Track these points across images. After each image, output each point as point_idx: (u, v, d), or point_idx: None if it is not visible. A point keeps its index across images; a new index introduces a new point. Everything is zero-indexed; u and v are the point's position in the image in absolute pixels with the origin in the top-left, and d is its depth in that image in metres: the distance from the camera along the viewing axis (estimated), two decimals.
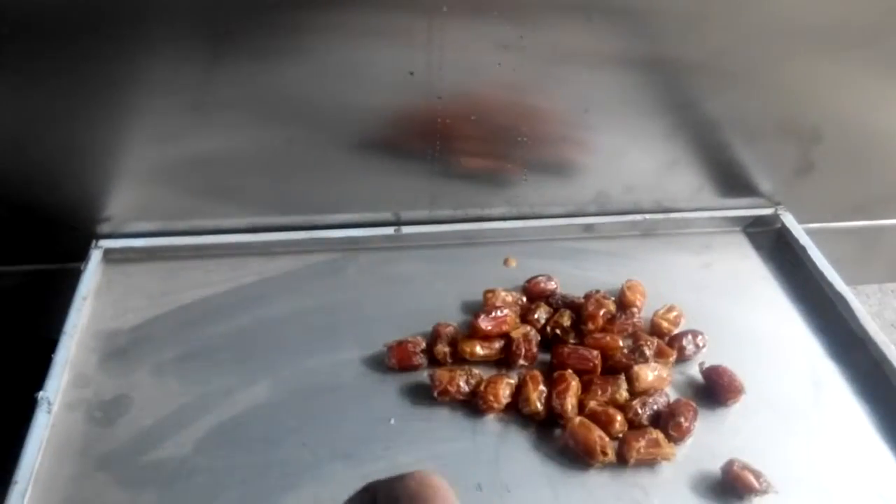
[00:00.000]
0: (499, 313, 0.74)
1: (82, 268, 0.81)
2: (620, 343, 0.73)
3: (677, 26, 0.76)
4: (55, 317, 0.76)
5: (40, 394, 0.67)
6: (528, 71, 0.78)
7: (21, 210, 0.81)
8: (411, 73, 0.76)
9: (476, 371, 0.71)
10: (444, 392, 0.69)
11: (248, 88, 0.75)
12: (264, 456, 0.65)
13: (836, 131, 0.88)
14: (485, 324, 0.73)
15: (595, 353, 0.72)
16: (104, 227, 0.84)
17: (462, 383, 0.69)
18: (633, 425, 0.67)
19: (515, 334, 0.73)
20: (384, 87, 0.77)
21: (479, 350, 0.73)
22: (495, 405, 0.68)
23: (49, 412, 0.67)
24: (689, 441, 0.67)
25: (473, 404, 0.69)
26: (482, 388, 0.69)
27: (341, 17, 0.71)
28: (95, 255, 0.83)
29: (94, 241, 0.84)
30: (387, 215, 0.88)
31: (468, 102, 0.80)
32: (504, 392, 0.69)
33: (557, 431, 0.68)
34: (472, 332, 0.73)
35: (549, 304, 0.79)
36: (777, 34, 0.78)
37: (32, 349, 0.74)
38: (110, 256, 0.84)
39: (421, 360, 0.73)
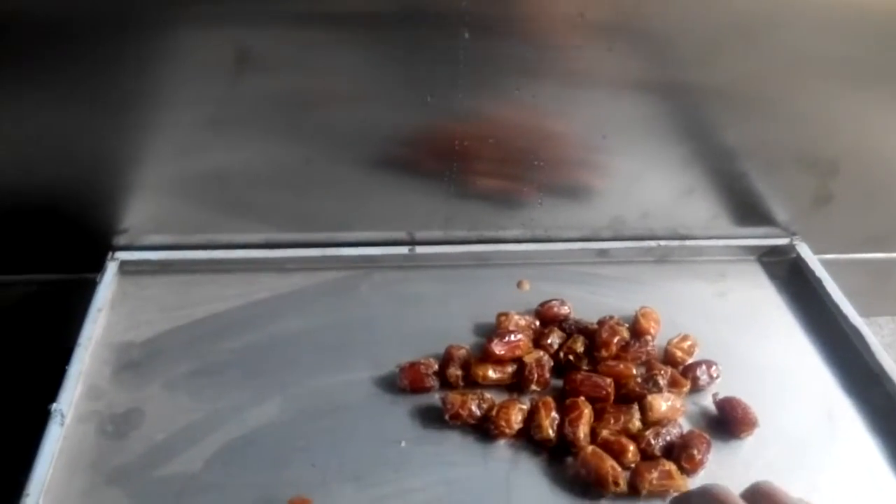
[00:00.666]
0: (512, 338, 0.74)
1: (98, 279, 0.81)
2: (634, 371, 0.73)
3: (698, 54, 0.76)
4: (70, 327, 0.76)
5: (53, 406, 0.68)
6: (547, 96, 0.78)
7: (39, 220, 0.82)
8: (431, 95, 0.76)
9: (488, 395, 0.71)
10: (456, 416, 0.69)
11: (267, 105, 0.75)
12: (273, 475, 0.65)
13: (854, 163, 0.88)
14: (498, 348, 0.72)
15: (608, 380, 0.71)
16: (120, 239, 0.84)
17: (474, 407, 0.69)
18: (646, 456, 0.67)
19: (528, 359, 0.73)
20: (404, 107, 0.77)
21: (492, 374, 0.73)
22: (507, 430, 0.68)
23: (62, 424, 0.67)
24: (701, 473, 0.67)
25: (485, 429, 0.69)
26: (494, 412, 0.69)
27: (363, 37, 0.72)
28: (111, 267, 0.83)
29: (110, 253, 0.84)
30: (401, 234, 0.88)
31: (487, 126, 0.80)
32: (516, 417, 0.68)
33: (569, 459, 0.67)
34: (485, 356, 0.73)
35: (563, 329, 0.78)
36: (797, 65, 0.78)
37: (47, 359, 0.74)
38: (126, 268, 0.84)
39: (433, 382, 0.73)
